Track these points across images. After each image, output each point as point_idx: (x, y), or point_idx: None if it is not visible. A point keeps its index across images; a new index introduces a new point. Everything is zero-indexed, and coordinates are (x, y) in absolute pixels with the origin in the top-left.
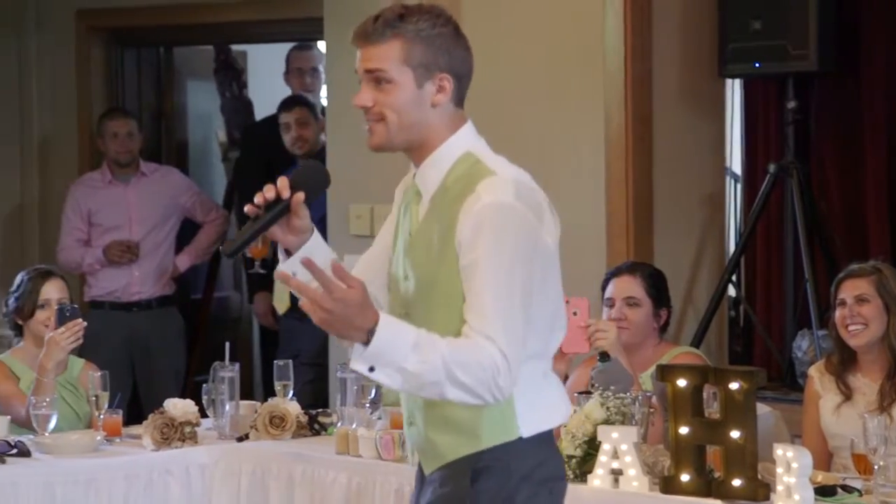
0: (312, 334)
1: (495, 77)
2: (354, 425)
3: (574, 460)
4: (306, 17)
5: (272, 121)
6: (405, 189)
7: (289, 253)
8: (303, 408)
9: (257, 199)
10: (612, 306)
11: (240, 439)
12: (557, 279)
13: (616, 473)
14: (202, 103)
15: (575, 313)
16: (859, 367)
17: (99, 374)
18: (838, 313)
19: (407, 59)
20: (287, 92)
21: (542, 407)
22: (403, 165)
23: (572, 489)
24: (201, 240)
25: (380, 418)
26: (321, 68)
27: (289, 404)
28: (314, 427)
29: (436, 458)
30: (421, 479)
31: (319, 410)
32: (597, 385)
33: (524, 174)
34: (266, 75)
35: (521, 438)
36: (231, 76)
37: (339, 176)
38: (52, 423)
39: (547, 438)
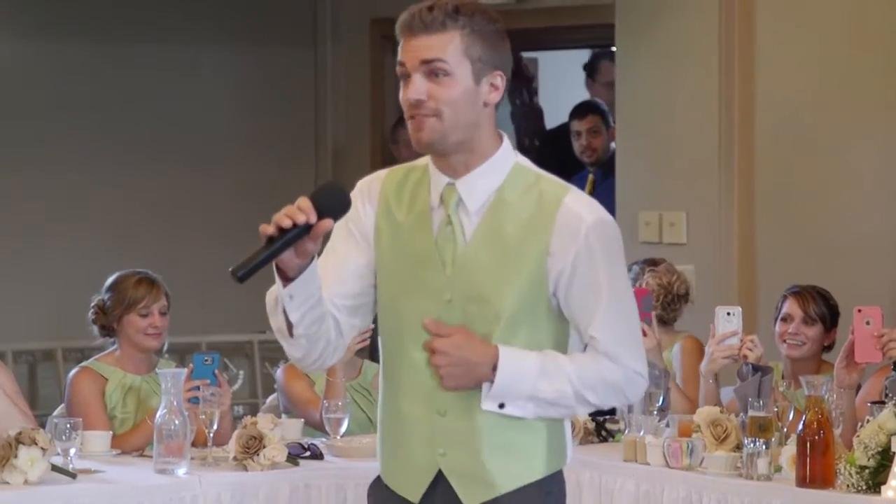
0: None
1: (785, 84)
2: (642, 432)
3: (867, 471)
4: (598, 24)
5: (567, 128)
6: (410, 195)
7: (281, 273)
8: (590, 415)
9: (282, 221)
10: None
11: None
12: None
13: None
14: None
15: (867, 322)
16: None
17: None
18: None
19: (467, 51)
20: (578, 99)
21: (568, 436)
22: (693, 171)
23: (865, 500)
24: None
25: (668, 426)
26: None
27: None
28: (601, 434)
29: (487, 488)
30: None
31: (606, 417)
32: (891, 395)
33: None
34: (557, 82)
35: (561, 470)
36: (522, 83)
37: (628, 183)
38: (344, 427)
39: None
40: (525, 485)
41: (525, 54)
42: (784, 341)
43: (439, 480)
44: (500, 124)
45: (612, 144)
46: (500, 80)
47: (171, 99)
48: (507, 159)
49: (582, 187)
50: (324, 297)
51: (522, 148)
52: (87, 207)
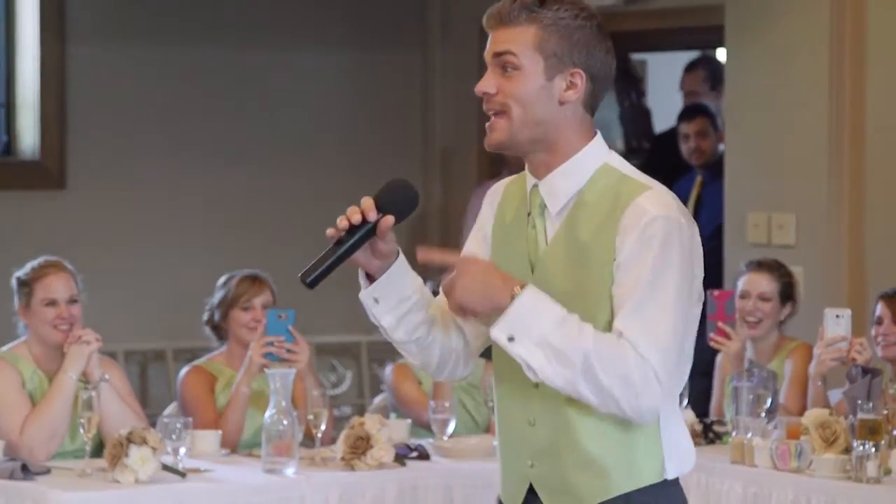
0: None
1: None
2: (750, 435)
3: None
4: (707, 26)
5: (676, 131)
6: (517, 200)
7: (370, 277)
8: (697, 416)
9: (341, 223)
10: None
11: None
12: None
13: None
14: (602, 111)
15: None
16: None
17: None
18: None
19: (540, 46)
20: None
21: (683, 446)
22: (803, 172)
23: None
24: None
25: (776, 428)
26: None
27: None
28: (709, 436)
29: (573, 502)
30: None
31: (714, 419)
32: None
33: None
34: (665, 85)
35: (665, 481)
36: (630, 85)
37: (736, 184)
38: (451, 427)
39: (679, 483)
40: (611, 498)
41: (634, 56)
42: (878, 343)
43: (532, 493)
44: (609, 126)
45: (721, 146)
46: (579, 79)
47: (281, 104)
48: (592, 159)
49: (690, 189)
50: (436, 302)
51: (630, 150)
52: (196, 209)
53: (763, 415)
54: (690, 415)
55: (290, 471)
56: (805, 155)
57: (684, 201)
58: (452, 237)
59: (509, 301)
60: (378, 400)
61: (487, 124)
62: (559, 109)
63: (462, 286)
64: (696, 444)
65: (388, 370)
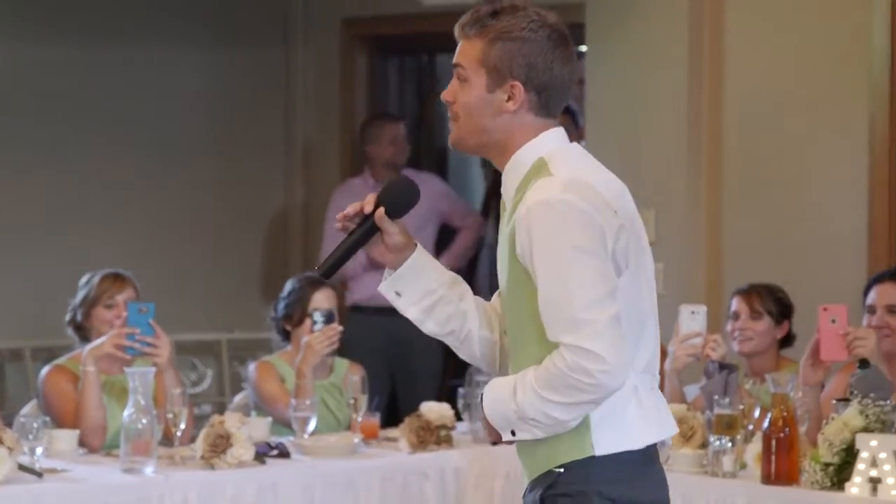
0: None
1: (755, 77)
2: None
3: (831, 468)
4: (568, 24)
5: None
6: None
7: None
8: None
9: (339, 215)
10: (873, 313)
11: (494, 443)
12: (647, 289)
13: (874, 482)
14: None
15: (833, 321)
16: None
17: (358, 377)
18: None
19: (484, 60)
20: None
21: (623, 426)
22: (662, 169)
23: (829, 497)
24: (459, 244)
25: None
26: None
27: None
28: None
29: (525, 475)
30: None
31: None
32: (856, 392)
33: (594, 175)
34: None
35: (602, 457)
36: None
37: None
38: (312, 426)
39: (637, 460)
40: (541, 474)
41: None
42: (734, 338)
43: None
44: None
45: (582, 143)
46: (517, 91)
47: (142, 98)
48: (528, 156)
49: None
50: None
51: None
52: (55, 206)
53: None
54: None
55: (148, 470)
56: (664, 152)
57: None
58: (314, 235)
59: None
60: (238, 398)
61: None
62: (503, 118)
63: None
64: None
65: (251, 368)
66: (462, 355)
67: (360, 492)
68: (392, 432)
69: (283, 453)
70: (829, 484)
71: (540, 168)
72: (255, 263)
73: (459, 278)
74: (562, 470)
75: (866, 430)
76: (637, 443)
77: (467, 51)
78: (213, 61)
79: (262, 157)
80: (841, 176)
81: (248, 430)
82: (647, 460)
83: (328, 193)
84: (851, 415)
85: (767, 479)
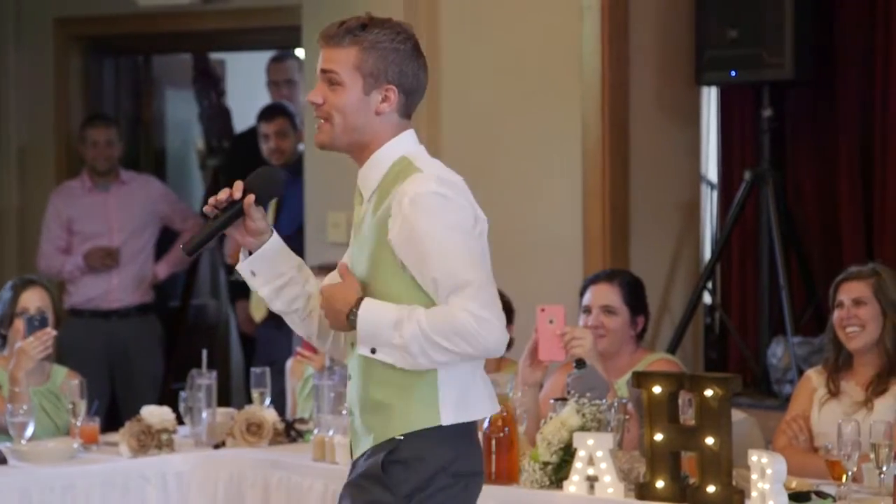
0: (288, 342)
1: (471, 86)
2: (331, 432)
3: (549, 466)
4: (284, 26)
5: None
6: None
7: (251, 254)
8: (280, 415)
9: (211, 200)
10: (589, 314)
11: (216, 446)
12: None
13: (591, 480)
14: (180, 112)
15: (551, 321)
16: (853, 374)
17: (76, 381)
18: (836, 314)
19: (359, 66)
20: (266, 100)
21: (466, 399)
22: None
23: (548, 495)
24: (180, 248)
25: None
26: (297, 78)
27: (266, 412)
28: (291, 434)
29: (367, 441)
30: (353, 467)
31: (296, 417)
32: (572, 392)
33: (453, 174)
34: (244, 84)
35: (440, 427)
36: (209, 85)
37: (316, 184)
38: (29, 431)
39: (467, 432)
40: (389, 439)
41: (213, 56)
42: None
43: None
44: (189, 126)
45: (301, 146)
46: (392, 94)
47: None
48: (392, 152)
49: None
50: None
51: (210, 149)
52: None
53: (344, 412)
54: (272, 413)
55: None
56: None
57: None
58: (30, 237)
59: (352, 323)
60: None
61: (316, 126)
62: (375, 118)
63: (326, 315)
64: (279, 442)
65: None
66: (300, 332)
67: (80, 497)
68: (112, 437)
69: (0, 459)
70: (548, 483)
71: (407, 165)
72: None
73: (304, 263)
74: (402, 438)
75: (583, 428)
76: (476, 415)
77: (340, 58)
78: None
79: None
80: (555, 182)
81: None
82: (475, 433)
83: (45, 196)
84: (569, 414)
85: (487, 478)
